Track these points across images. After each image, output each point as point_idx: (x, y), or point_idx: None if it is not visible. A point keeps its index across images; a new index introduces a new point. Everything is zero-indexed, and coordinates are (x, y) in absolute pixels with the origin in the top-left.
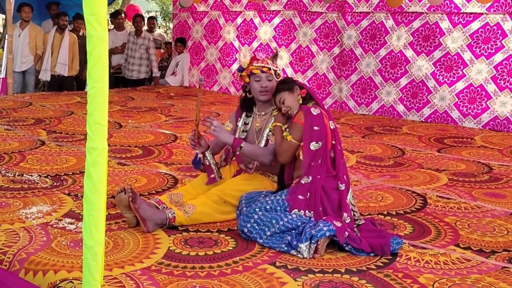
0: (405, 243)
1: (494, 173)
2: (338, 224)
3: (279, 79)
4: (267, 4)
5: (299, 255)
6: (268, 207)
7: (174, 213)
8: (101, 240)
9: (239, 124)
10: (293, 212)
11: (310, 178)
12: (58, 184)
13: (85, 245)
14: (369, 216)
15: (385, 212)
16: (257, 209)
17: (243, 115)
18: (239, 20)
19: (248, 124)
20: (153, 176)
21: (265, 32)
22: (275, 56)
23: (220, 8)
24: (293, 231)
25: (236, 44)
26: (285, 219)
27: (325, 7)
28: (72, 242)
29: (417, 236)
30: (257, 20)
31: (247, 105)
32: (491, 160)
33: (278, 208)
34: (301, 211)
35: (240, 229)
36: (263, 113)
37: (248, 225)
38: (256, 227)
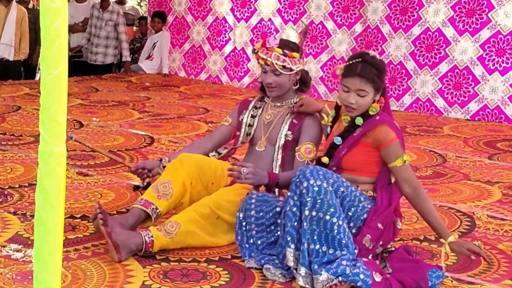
0: (448, 276)
1: None
2: (378, 279)
3: (295, 71)
4: None
5: (285, 275)
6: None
7: (152, 236)
8: (57, 272)
9: (245, 118)
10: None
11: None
12: (0, 200)
13: (36, 279)
14: (401, 242)
15: (422, 237)
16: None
17: (251, 107)
18: None
19: (255, 117)
20: (123, 190)
21: (267, 4)
22: (304, 34)
23: None
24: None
25: (230, 19)
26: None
27: None
28: (19, 274)
29: (463, 267)
30: None
31: (264, 90)
32: None
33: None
34: (370, 242)
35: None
36: (278, 104)
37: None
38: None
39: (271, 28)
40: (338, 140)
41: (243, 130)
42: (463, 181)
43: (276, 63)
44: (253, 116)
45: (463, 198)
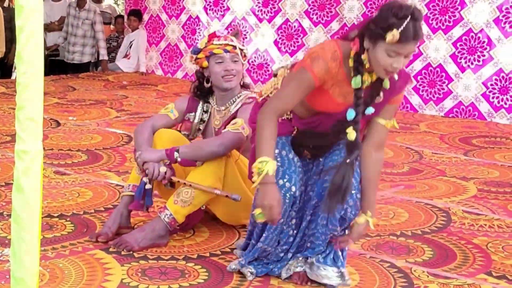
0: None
1: None
2: None
3: (246, 59)
4: None
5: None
6: None
7: (170, 214)
8: (35, 271)
9: (195, 119)
10: None
11: None
12: None
13: (14, 278)
14: (378, 238)
15: (398, 232)
16: None
17: (199, 108)
18: None
19: (204, 121)
20: (100, 189)
21: (241, 2)
22: (236, 35)
23: None
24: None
25: (204, 18)
26: None
27: None
28: None
29: (439, 262)
30: None
31: (203, 94)
32: None
33: None
34: None
35: None
36: (223, 107)
37: None
38: None
39: (246, 27)
40: (370, 110)
41: (192, 130)
42: (439, 177)
43: (238, 46)
44: (202, 121)
45: (439, 194)
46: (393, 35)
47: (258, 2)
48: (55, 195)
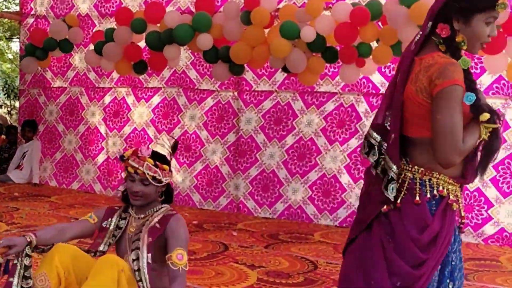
0: None
1: None
2: None
3: (164, 183)
4: (144, 80)
5: None
6: None
7: None
8: None
9: (110, 226)
10: None
11: None
12: None
13: None
14: None
15: None
16: None
17: (116, 216)
18: (107, 99)
19: (121, 228)
20: None
21: (141, 114)
22: (174, 148)
23: (83, 83)
24: None
25: (103, 129)
26: None
27: (218, 84)
28: None
29: None
30: (130, 99)
31: (127, 200)
32: None
33: None
34: None
35: None
36: (142, 215)
37: None
38: None
39: (145, 138)
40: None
41: (106, 238)
42: (333, 287)
43: (148, 173)
44: (118, 227)
45: None
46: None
47: (158, 114)
48: None
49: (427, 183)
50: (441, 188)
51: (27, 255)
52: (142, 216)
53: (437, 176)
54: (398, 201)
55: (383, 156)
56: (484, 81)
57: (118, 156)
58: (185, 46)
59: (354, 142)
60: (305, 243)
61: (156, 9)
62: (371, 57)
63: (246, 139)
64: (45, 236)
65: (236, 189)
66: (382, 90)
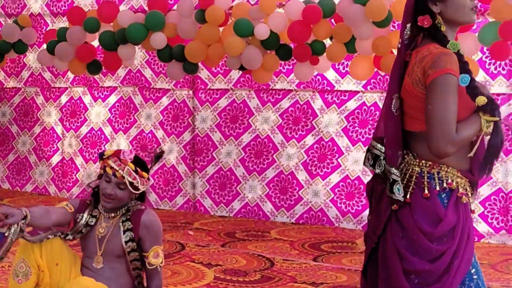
0: None
1: None
2: None
3: (140, 191)
4: (100, 79)
5: None
6: None
7: None
8: None
9: (81, 221)
10: None
11: None
12: None
13: None
14: None
15: None
16: None
17: (87, 214)
18: (63, 99)
19: (90, 226)
20: None
21: (98, 113)
22: (157, 158)
23: (38, 84)
24: None
25: (59, 129)
26: None
27: (173, 83)
28: None
29: None
30: (87, 99)
31: (96, 197)
32: None
33: None
34: None
35: None
36: (112, 214)
37: None
38: None
39: (101, 138)
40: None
41: (74, 233)
42: (290, 284)
43: (127, 178)
44: (88, 225)
45: None
46: None
47: (115, 114)
48: None
49: (436, 176)
50: (450, 180)
51: (21, 229)
52: (112, 215)
53: (446, 169)
54: (408, 196)
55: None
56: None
57: (100, 153)
58: (139, 45)
59: (310, 139)
60: (261, 240)
61: (109, 8)
62: (325, 54)
63: (202, 137)
64: (35, 214)
65: (193, 188)
66: (337, 87)
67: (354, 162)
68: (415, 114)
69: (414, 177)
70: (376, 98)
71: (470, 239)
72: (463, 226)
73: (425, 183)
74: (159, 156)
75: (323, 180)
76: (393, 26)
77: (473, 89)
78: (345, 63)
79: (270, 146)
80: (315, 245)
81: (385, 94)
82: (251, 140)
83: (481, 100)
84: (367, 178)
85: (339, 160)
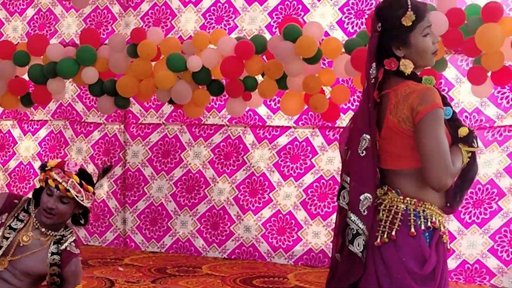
0: None
1: None
2: None
3: (88, 204)
4: (30, 112)
5: None
6: None
7: None
8: None
9: (6, 222)
10: None
11: None
12: None
13: None
14: None
15: None
16: None
17: (14, 212)
18: None
19: (14, 230)
20: None
21: (27, 147)
22: (105, 172)
23: None
24: None
25: (16, 132)
26: None
27: (104, 117)
28: None
29: None
30: (16, 132)
31: (36, 197)
32: None
33: None
34: None
35: None
36: (43, 229)
37: None
38: None
39: (30, 172)
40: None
41: None
42: None
43: (71, 191)
44: (11, 228)
45: None
46: (409, 15)
47: (45, 148)
48: None
49: (421, 214)
50: (434, 219)
51: None
52: (43, 230)
53: (430, 207)
54: (393, 233)
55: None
56: None
57: (41, 165)
58: (70, 79)
59: (242, 174)
60: (193, 276)
61: (39, 41)
62: (257, 90)
63: (133, 172)
64: None
65: (123, 223)
66: (268, 122)
67: (285, 197)
68: (402, 152)
69: (399, 214)
70: (307, 133)
71: (447, 280)
72: (442, 266)
73: (411, 221)
74: (106, 169)
75: (254, 215)
76: (323, 64)
77: (455, 121)
78: (277, 99)
79: (202, 181)
80: (247, 280)
81: (317, 130)
82: (182, 175)
83: (464, 131)
84: (298, 212)
85: (270, 195)
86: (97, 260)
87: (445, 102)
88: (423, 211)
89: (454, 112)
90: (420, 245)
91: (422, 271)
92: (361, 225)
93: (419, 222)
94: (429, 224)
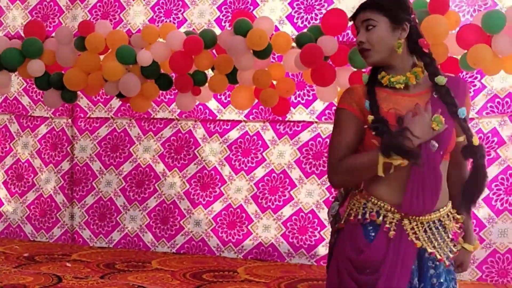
0: None
1: None
2: None
3: None
4: None
5: None
6: None
7: None
8: None
9: None
10: None
11: None
12: None
13: None
14: None
15: None
16: None
17: None
18: None
19: None
20: None
21: None
22: None
23: None
24: None
25: None
26: None
27: (51, 111)
28: None
29: None
30: None
31: None
32: None
33: None
34: None
35: None
36: None
37: None
38: None
39: None
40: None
41: None
42: None
43: None
44: None
45: None
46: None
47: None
48: None
49: (362, 205)
50: (374, 213)
51: None
52: None
53: (375, 201)
54: (342, 221)
55: None
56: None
57: None
58: (15, 72)
59: (193, 168)
60: (142, 271)
61: None
62: (207, 84)
63: (81, 167)
64: None
65: (71, 218)
66: (219, 116)
67: (236, 191)
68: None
69: (352, 203)
70: (258, 127)
71: (401, 279)
72: (394, 265)
73: (354, 210)
74: None
75: (205, 209)
76: (273, 58)
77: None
78: (227, 93)
79: (152, 175)
80: (197, 275)
81: (267, 124)
82: (132, 169)
83: (370, 118)
84: (249, 206)
85: (221, 189)
86: (44, 256)
87: (371, 98)
88: (365, 203)
89: (376, 107)
90: (357, 234)
91: (359, 258)
92: (337, 208)
93: (360, 213)
94: (367, 216)
